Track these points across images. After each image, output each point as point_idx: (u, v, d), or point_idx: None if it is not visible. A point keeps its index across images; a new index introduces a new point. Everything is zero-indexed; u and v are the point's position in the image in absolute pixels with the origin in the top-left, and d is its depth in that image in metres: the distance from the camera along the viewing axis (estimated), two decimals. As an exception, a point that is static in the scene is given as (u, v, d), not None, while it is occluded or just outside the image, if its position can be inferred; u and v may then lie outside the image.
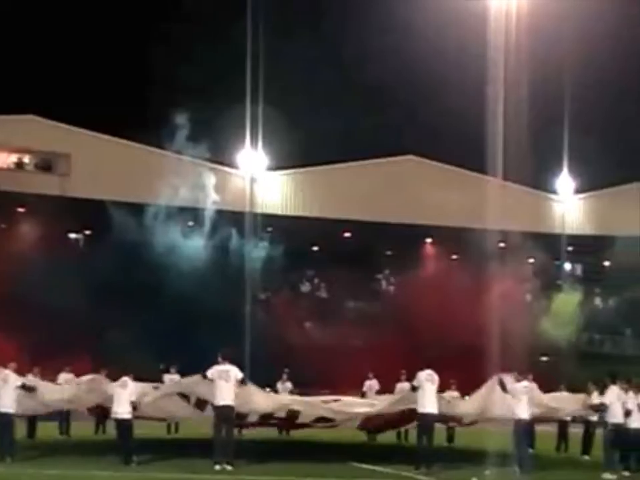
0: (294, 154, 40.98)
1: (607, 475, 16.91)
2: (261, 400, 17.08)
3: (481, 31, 31.51)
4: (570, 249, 44.66)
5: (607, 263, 43.22)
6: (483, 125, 31.24)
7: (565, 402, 19.20)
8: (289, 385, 24.77)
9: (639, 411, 18.30)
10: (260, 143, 40.71)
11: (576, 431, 21.25)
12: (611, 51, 36.25)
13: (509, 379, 17.11)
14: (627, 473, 17.41)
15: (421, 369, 17.09)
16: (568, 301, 40.52)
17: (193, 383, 16.81)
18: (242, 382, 16.25)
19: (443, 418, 17.99)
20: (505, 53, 31.21)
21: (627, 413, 17.68)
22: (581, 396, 18.96)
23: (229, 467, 15.74)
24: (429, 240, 45.30)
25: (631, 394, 18.01)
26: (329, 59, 43.09)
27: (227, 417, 16.05)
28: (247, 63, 36.18)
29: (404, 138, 43.68)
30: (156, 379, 21.30)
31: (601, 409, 17.53)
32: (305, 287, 45.71)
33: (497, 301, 27.65)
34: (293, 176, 44.79)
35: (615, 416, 17.32)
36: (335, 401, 19.03)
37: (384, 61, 41.43)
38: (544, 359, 36.69)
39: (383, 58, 41.47)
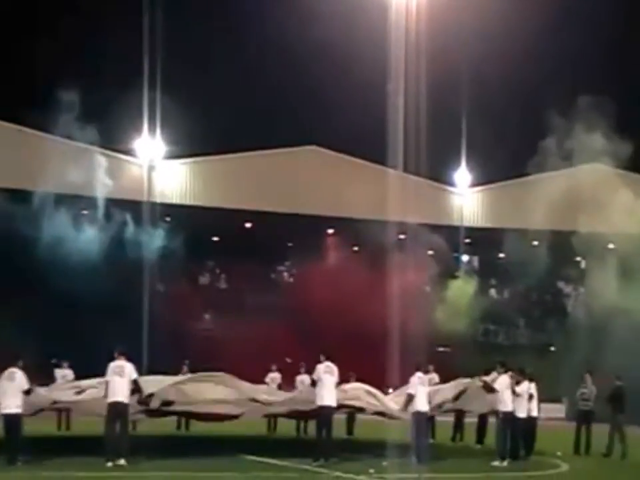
0: (194, 142, 40.26)
1: (496, 463, 17.26)
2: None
3: (382, 22, 31.72)
4: (467, 241, 45.57)
5: (502, 255, 44.20)
6: (384, 117, 31.48)
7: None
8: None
9: (529, 400, 18.83)
10: (158, 131, 39.84)
11: (472, 420, 21.64)
12: (509, 45, 37.04)
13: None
14: (516, 461, 17.82)
15: (320, 361, 16.97)
16: (463, 292, 41.36)
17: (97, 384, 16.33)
18: (135, 383, 15.79)
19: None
20: (405, 45, 31.51)
21: (516, 403, 18.08)
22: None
23: (122, 463, 15.24)
24: (330, 231, 45.37)
25: (521, 384, 18.44)
26: (230, 46, 42.62)
27: (120, 413, 15.57)
28: (144, 48, 35.39)
29: (306, 128, 43.60)
30: (47, 373, 20.57)
31: (492, 390, 17.79)
32: (205, 278, 45.12)
33: (397, 292, 27.88)
34: (193, 165, 44.02)
35: (506, 405, 17.65)
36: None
37: (286, 50, 41.22)
38: (442, 349, 37.39)
39: (284, 48, 41.24)
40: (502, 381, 17.70)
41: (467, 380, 18.67)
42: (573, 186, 37.19)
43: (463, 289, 41.48)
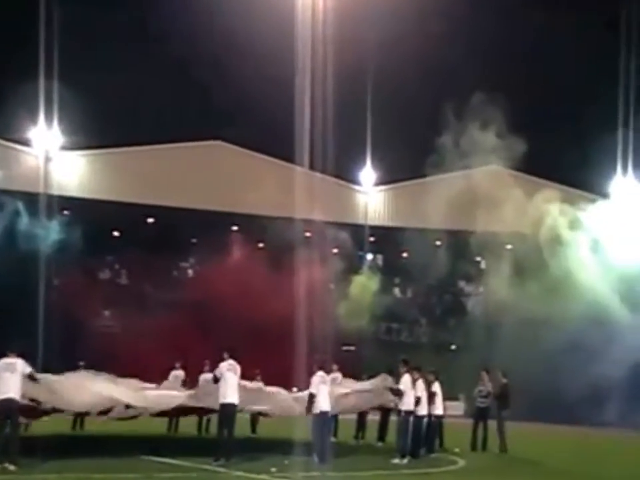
0: (95, 134, 39.19)
1: (396, 460, 17.37)
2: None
3: (289, 19, 31.61)
4: (372, 239, 45.93)
5: (405, 254, 44.73)
6: (291, 113, 31.38)
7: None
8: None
9: (429, 398, 19.05)
10: (55, 121, 38.59)
11: (376, 418, 21.75)
12: (416, 43, 37.52)
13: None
14: (416, 458, 17.99)
15: (223, 359, 16.71)
16: (365, 289, 41.69)
17: None
18: (30, 377, 15.08)
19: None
20: (312, 42, 31.49)
21: (417, 401, 18.28)
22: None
23: (12, 467, 14.50)
24: (235, 228, 44.95)
25: (420, 382, 18.64)
26: (134, 37, 41.68)
27: (10, 410, 14.80)
28: (41, 36, 34.24)
29: (211, 123, 43.05)
30: None
31: (398, 394, 17.91)
32: (105, 274, 44.00)
33: (301, 290, 27.81)
34: (93, 157, 42.84)
35: (407, 403, 17.79)
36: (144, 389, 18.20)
37: (192, 44, 40.64)
38: (346, 348, 37.58)
39: (191, 41, 40.67)
40: (405, 380, 17.80)
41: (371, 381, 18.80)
42: (471, 187, 38.00)
43: (366, 285, 41.81)
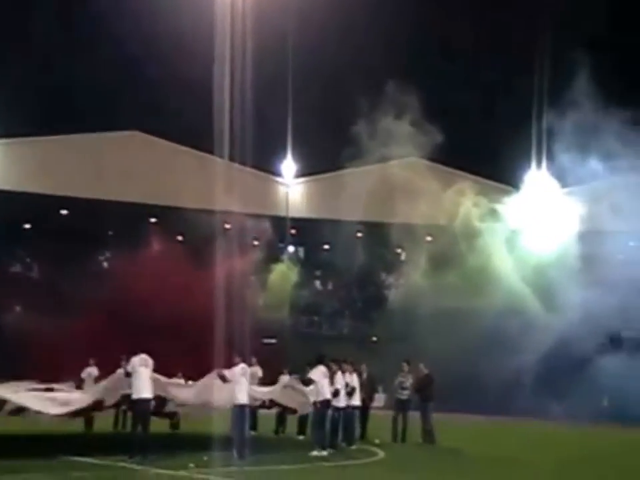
0: (3, 123, 37.85)
1: (314, 452, 17.29)
2: None
3: (208, 8, 31.21)
4: (293, 232, 45.74)
5: (327, 247, 44.77)
6: (210, 104, 30.99)
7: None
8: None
9: (354, 391, 19.03)
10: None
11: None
12: (336, 34, 37.56)
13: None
14: (332, 450, 17.95)
15: (136, 353, 16.30)
16: (286, 279, 41.57)
17: None
18: None
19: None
20: (231, 32, 31.16)
21: (336, 393, 18.25)
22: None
23: None
24: (153, 220, 44.17)
25: (339, 374, 18.61)
26: (51, 27, 40.53)
27: None
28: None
29: (128, 113, 42.16)
30: None
31: (309, 383, 17.82)
32: (16, 268, 42.64)
33: (221, 283, 27.42)
34: (2, 147, 41.41)
35: (322, 394, 17.71)
36: (48, 389, 17.58)
37: (111, 33, 39.77)
38: (267, 341, 37.35)
39: (109, 30, 39.80)
40: (317, 371, 17.71)
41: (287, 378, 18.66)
42: (390, 179, 38.36)
43: (286, 275, 41.68)
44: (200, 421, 19.21)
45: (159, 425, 18.25)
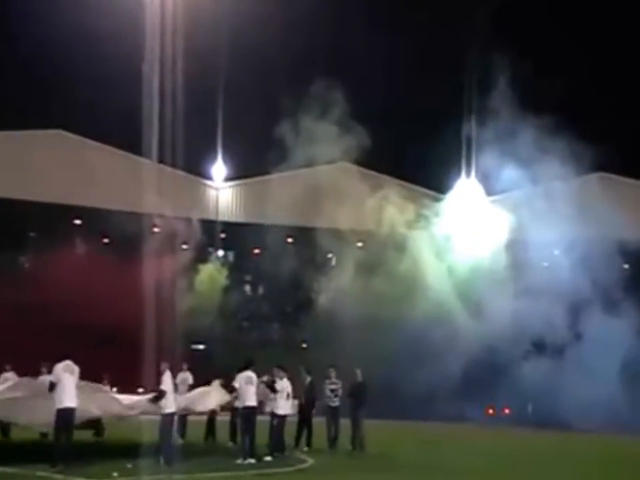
0: None
1: (240, 460, 17.07)
2: None
3: (138, 9, 30.76)
4: (223, 236, 45.14)
5: (257, 251, 44.35)
6: (139, 105, 30.48)
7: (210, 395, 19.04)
8: None
9: (287, 398, 18.81)
10: None
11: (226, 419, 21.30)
12: (266, 38, 37.37)
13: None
14: (268, 458, 17.71)
15: (59, 359, 15.76)
16: (214, 282, 41.08)
17: None
18: None
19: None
20: (161, 32, 30.77)
21: (277, 400, 18.05)
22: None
23: None
24: (77, 221, 43.12)
25: (279, 381, 18.41)
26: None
27: None
28: None
29: (53, 111, 41.04)
30: None
31: (233, 390, 17.58)
32: None
33: (148, 287, 26.90)
34: None
35: (248, 400, 17.45)
36: None
37: (37, 30, 38.76)
38: (196, 347, 36.86)
39: (34, 27, 38.78)
40: (240, 377, 17.47)
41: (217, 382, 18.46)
42: (321, 183, 38.36)
43: (214, 277, 41.16)
44: (126, 429, 18.71)
45: (82, 433, 17.70)
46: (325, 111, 36.52)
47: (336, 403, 20.87)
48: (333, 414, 20.84)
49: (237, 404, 17.74)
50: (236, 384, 17.46)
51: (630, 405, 33.35)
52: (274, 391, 17.89)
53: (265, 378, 18.53)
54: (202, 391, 19.10)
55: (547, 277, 36.93)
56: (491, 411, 37.53)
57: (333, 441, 20.73)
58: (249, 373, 17.62)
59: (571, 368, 34.75)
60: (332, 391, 20.92)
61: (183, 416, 18.92)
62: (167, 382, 16.55)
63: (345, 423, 20.90)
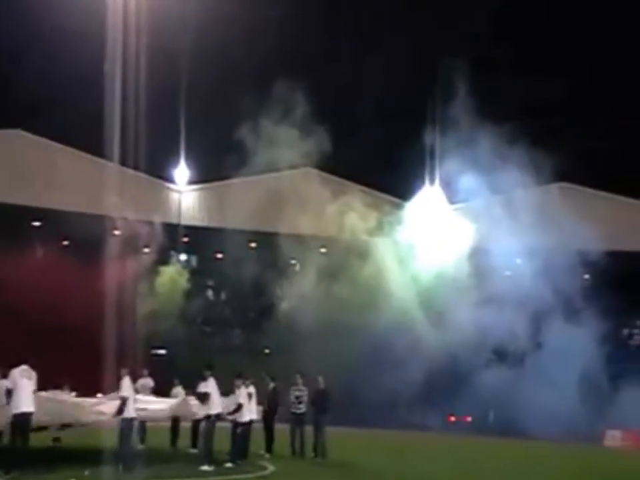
0: None
1: (204, 467, 16.78)
2: None
3: (101, 10, 30.44)
4: (186, 239, 44.60)
5: (220, 256, 43.91)
6: (101, 107, 30.15)
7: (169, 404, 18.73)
8: None
9: (249, 403, 18.55)
10: None
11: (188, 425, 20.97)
12: (229, 39, 37.19)
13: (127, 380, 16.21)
14: (229, 464, 17.46)
15: (16, 364, 15.33)
16: (175, 285, 40.62)
17: None
18: None
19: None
20: (123, 35, 30.49)
21: (239, 407, 17.80)
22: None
23: None
24: (36, 223, 42.37)
25: (242, 388, 18.15)
26: None
27: None
28: None
29: (12, 111, 40.24)
30: None
31: (204, 398, 17.27)
32: None
33: (109, 290, 26.44)
34: None
35: (215, 407, 17.21)
36: None
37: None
38: (157, 352, 36.35)
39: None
40: (211, 384, 17.20)
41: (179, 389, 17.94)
42: (285, 189, 38.21)
43: (175, 282, 40.70)
44: (85, 435, 18.30)
45: (39, 439, 17.24)
46: (288, 115, 36.45)
47: (301, 409, 20.59)
48: (297, 421, 20.58)
49: (208, 411, 17.29)
50: (209, 390, 17.16)
51: (587, 414, 33.62)
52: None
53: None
54: (164, 400, 18.70)
55: (509, 285, 37.17)
56: (452, 419, 37.57)
57: (300, 448, 20.45)
58: (214, 380, 17.33)
59: (531, 377, 35.00)
60: (297, 397, 20.62)
61: (143, 421, 18.50)
62: (126, 388, 16.20)
63: (308, 430, 20.68)
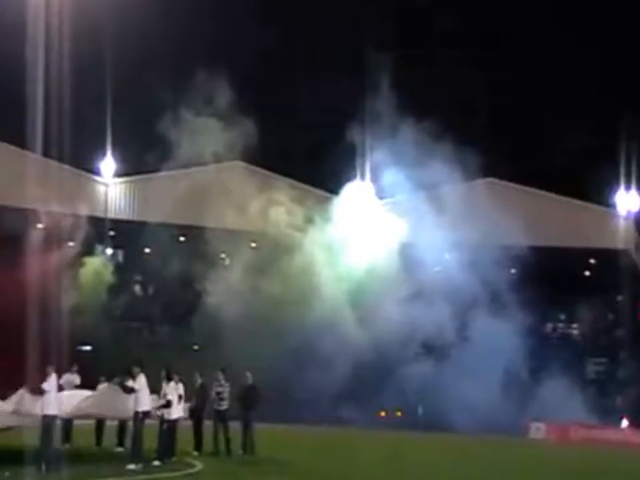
0: None
1: (131, 466, 16.43)
2: None
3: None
4: (112, 233, 43.60)
5: (148, 250, 43.07)
6: (24, 99, 29.33)
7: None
8: None
9: (179, 401, 18.24)
10: None
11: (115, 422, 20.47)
12: (157, 27, 36.55)
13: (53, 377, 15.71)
14: (157, 463, 17.14)
15: None
16: (99, 277, 39.81)
17: None
18: None
19: None
20: (45, 22, 29.73)
21: (168, 404, 17.49)
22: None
23: None
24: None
25: (171, 384, 17.85)
26: None
27: None
28: None
29: None
30: None
31: (131, 392, 16.94)
32: None
33: (31, 286, 25.72)
34: None
35: (144, 404, 16.89)
36: None
37: None
38: (82, 348, 35.45)
39: None
40: (140, 381, 16.82)
41: (105, 385, 17.88)
42: (212, 182, 37.83)
43: (99, 275, 39.85)
44: (4, 434, 17.66)
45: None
46: (215, 106, 36.08)
47: (223, 406, 20.30)
48: (220, 418, 20.28)
49: (137, 408, 16.89)
50: (137, 386, 16.75)
51: (510, 407, 34.18)
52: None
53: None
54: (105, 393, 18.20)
55: (437, 280, 37.51)
56: (382, 414, 37.70)
57: (226, 444, 20.17)
58: (143, 377, 16.95)
59: (458, 371, 35.34)
60: (218, 393, 20.32)
61: (68, 420, 17.98)
62: (50, 383, 15.71)
63: (235, 426, 20.42)
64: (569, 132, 41.85)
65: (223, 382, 20.43)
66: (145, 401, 16.99)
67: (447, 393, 34.71)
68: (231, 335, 35.29)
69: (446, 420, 33.91)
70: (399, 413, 38.05)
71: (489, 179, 42.89)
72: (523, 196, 42.75)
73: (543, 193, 43.56)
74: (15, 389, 17.20)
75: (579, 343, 43.99)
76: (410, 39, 43.63)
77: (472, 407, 33.49)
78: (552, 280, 38.71)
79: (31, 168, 31.88)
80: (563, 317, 45.47)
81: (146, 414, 17.04)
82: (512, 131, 43.15)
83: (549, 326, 44.76)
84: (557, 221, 42.32)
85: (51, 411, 15.77)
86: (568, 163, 41.83)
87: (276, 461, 19.90)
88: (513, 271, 39.60)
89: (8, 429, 16.97)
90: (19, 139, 33.61)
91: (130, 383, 16.96)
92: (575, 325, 45.16)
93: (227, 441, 20.20)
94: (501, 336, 35.90)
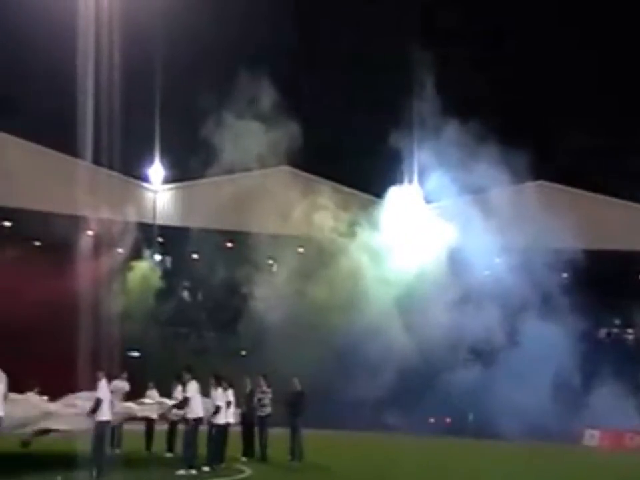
0: None
1: (182, 472, 16.41)
2: None
3: (73, 6, 29.96)
4: (160, 240, 43.98)
5: (196, 256, 43.35)
6: (75, 107, 29.71)
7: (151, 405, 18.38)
8: None
9: (227, 407, 18.23)
10: None
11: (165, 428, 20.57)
12: (202, 40, 36.80)
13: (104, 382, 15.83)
14: (206, 468, 17.14)
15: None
16: (147, 282, 40.13)
17: None
18: None
19: None
20: (96, 33, 30.06)
21: (217, 410, 17.48)
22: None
23: None
24: (7, 224, 41.70)
25: (220, 390, 17.86)
26: None
27: None
28: None
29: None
30: None
31: (186, 403, 16.92)
32: None
33: (82, 292, 25.99)
34: None
35: (196, 411, 16.86)
36: None
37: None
38: (132, 354, 35.76)
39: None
40: (191, 388, 16.83)
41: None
42: (260, 188, 37.85)
43: (148, 281, 40.17)
44: (56, 438, 17.82)
45: (6, 443, 16.77)
46: (258, 110, 36.14)
47: (264, 412, 20.26)
48: (261, 424, 20.25)
49: (189, 415, 16.93)
50: (189, 395, 16.77)
51: (563, 414, 33.58)
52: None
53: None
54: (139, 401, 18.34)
55: (486, 284, 37.02)
56: (432, 420, 37.31)
57: (262, 450, 20.13)
58: (195, 383, 16.96)
59: (508, 376, 34.75)
60: (259, 400, 20.30)
61: (119, 425, 18.10)
62: (102, 390, 15.80)
63: (283, 432, 20.34)
64: (623, 131, 41.17)
65: (264, 388, 20.42)
66: (197, 407, 16.99)
67: (497, 399, 34.18)
68: (277, 340, 35.26)
69: (496, 426, 33.40)
70: (447, 420, 37.64)
71: (539, 182, 42.33)
72: (574, 198, 42.08)
73: (594, 194, 42.83)
74: (65, 394, 17.40)
75: (634, 348, 43.11)
76: (454, 38, 43.26)
77: (523, 413, 32.95)
78: (606, 284, 38.01)
79: (81, 175, 32.26)
80: (617, 321, 44.62)
81: (198, 420, 17.04)
82: (564, 132, 42.50)
83: (603, 331, 43.96)
84: (609, 223, 41.58)
85: (104, 417, 15.83)
86: (620, 164, 41.12)
87: (323, 468, 19.76)
88: (564, 274, 38.92)
89: (56, 431, 17.08)
90: (69, 147, 34.06)
91: (179, 391, 16.97)
92: (630, 330, 44.25)
93: (263, 447, 20.15)
94: (553, 341, 35.27)
